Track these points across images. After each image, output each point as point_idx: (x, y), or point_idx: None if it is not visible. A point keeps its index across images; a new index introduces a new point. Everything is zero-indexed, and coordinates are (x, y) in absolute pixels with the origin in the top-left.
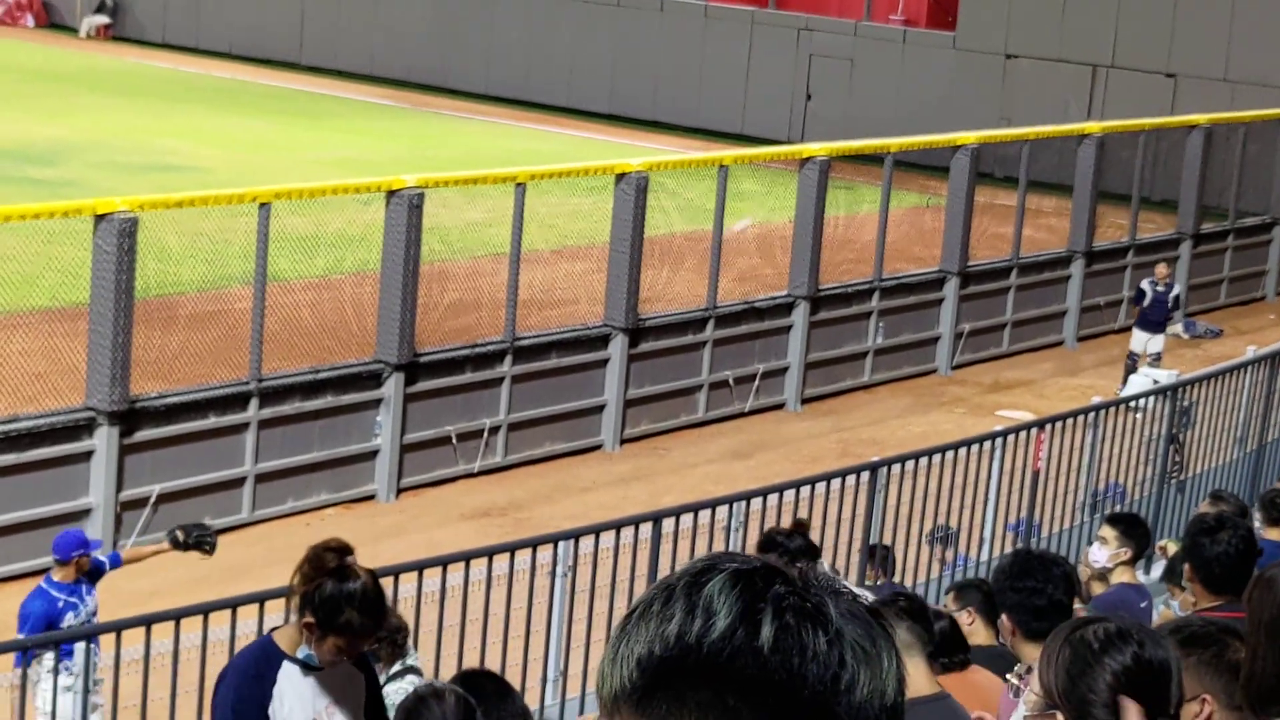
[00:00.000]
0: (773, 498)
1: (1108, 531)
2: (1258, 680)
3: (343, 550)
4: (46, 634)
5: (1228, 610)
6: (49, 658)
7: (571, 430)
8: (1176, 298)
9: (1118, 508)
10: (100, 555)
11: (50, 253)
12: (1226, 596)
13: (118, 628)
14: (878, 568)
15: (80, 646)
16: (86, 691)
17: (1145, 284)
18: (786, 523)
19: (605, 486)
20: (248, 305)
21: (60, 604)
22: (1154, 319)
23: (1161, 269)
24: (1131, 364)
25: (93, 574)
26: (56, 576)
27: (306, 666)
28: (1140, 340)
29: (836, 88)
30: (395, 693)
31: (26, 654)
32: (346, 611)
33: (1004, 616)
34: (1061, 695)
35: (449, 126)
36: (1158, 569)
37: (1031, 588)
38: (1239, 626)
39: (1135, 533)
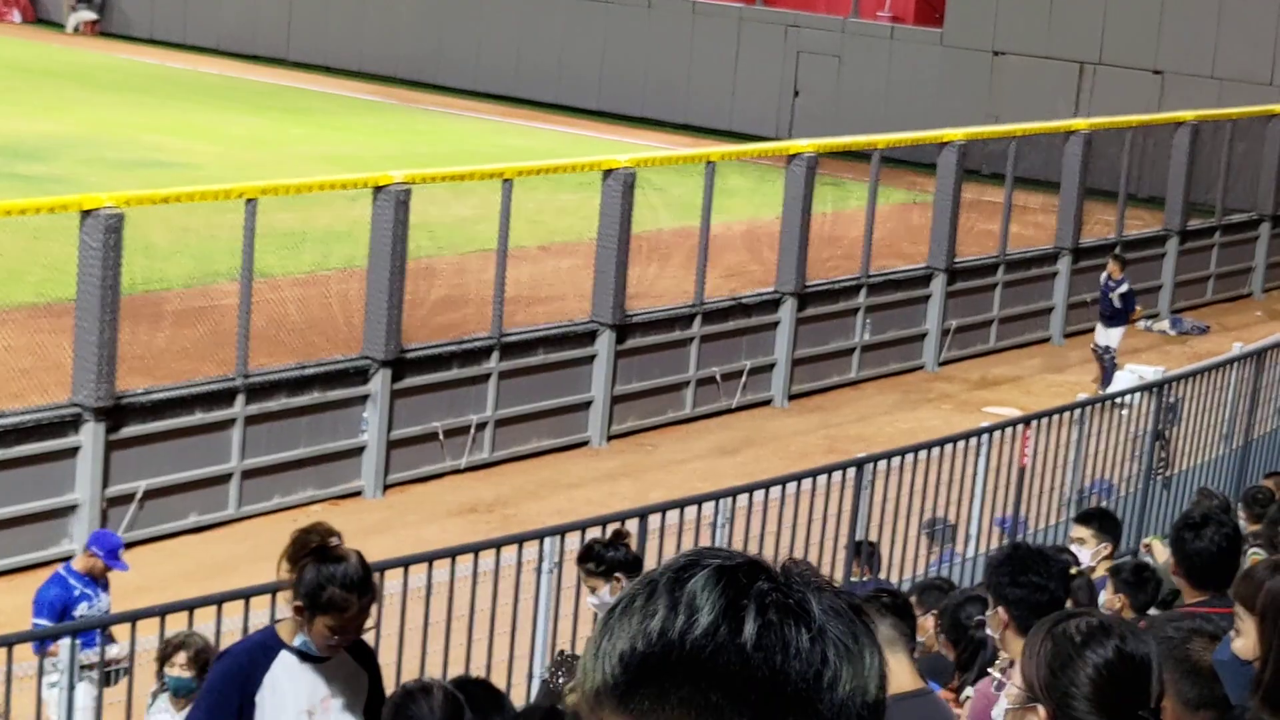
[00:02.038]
0: (759, 494)
1: (1082, 531)
2: (1272, 683)
3: (326, 533)
4: (30, 630)
5: (1213, 606)
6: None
7: (558, 426)
8: (1123, 295)
9: (1103, 504)
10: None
11: (36, 248)
12: (1210, 592)
13: (103, 624)
14: (864, 564)
15: (65, 642)
16: (71, 688)
17: (1101, 278)
18: (772, 521)
19: (592, 483)
20: (234, 301)
21: (76, 593)
22: (1103, 313)
23: (1111, 266)
24: (1109, 359)
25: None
26: (76, 565)
27: (303, 655)
28: (1101, 333)
29: (824, 84)
30: None
31: (42, 642)
32: (329, 589)
33: (999, 609)
34: (1043, 688)
35: (437, 122)
36: None
37: (1035, 584)
38: (1217, 627)
39: (1109, 526)
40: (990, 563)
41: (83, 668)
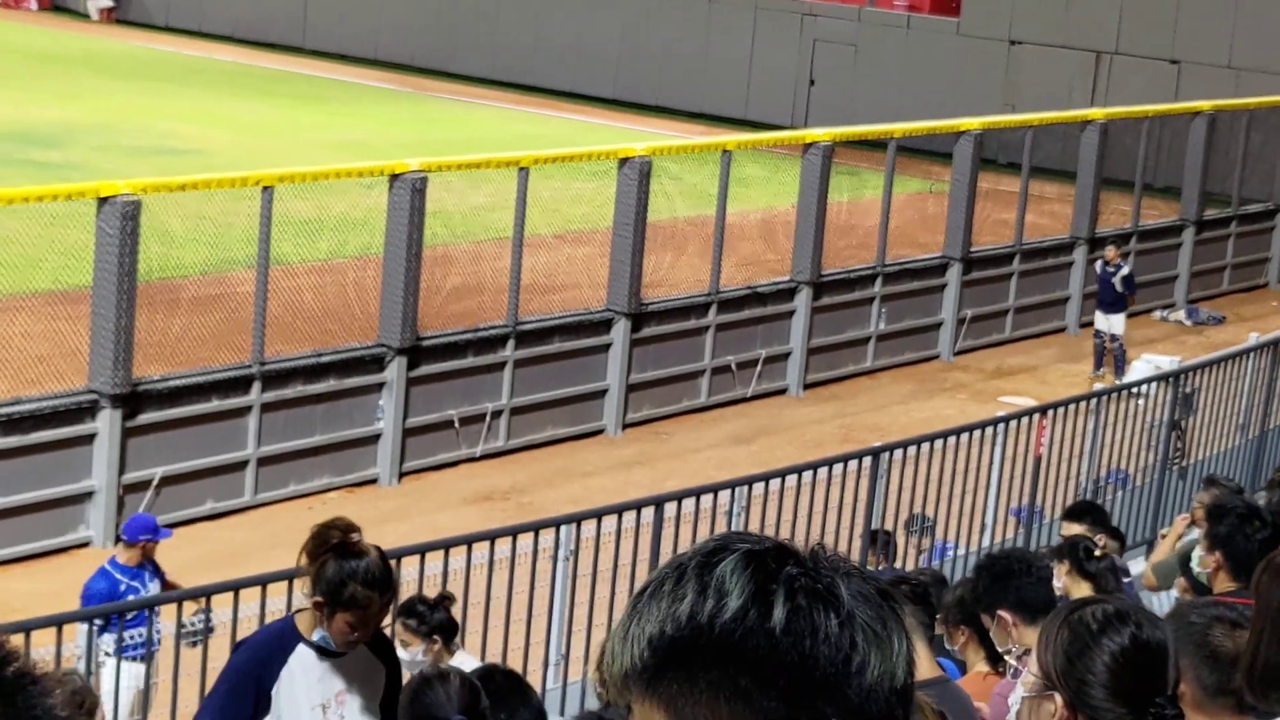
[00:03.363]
0: (775, 482)
1: (1075, 527)
2: (1260, 667)
3: (347, 528)
4: (44, 616)
5: (1245, 597)
6: (109, 640)
7: (574, 415)
8: (1125, 279)
9: (1119, 494)
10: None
11: (53, 235)
12: (1245, 582)
13: (122, 610)
14: (879, 553)
15: (82, 629)
16: (89, 674)
17: (1097, 265)
18: (787, 510)
19: (607, 471)
20: (250, 289)
21: (123, 587)
22: (1104, 299)
23: (1109, 251)
24: (1099, 343)
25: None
26: (121, 559)
27: (321, 650)
28: (1102, 321)
29: (840, 73)
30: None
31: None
32: (350, 586)
33: (1000, 615)
34: (1059, 676)
35: (453, 111)
36: None
37: (1016, 570)
38: (1240, 615)
39: (1102, 518)
40: (967, 590)
41: (134, 646)
